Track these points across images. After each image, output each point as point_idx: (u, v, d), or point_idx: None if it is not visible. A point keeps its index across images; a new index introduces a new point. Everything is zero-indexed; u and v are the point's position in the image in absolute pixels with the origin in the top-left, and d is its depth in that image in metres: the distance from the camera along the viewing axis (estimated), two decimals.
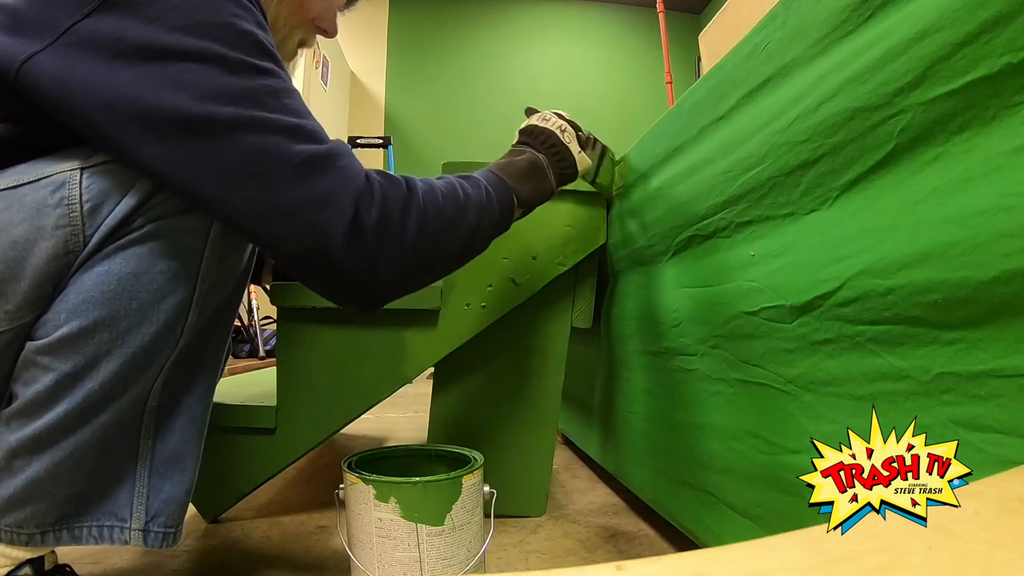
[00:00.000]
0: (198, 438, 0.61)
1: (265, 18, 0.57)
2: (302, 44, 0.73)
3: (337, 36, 0.75)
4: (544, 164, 0.71)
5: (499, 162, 0.69)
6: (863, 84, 0.43)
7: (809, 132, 0.48)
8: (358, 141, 3.55)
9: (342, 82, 3.96)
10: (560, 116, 0.76)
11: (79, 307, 0.51)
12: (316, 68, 3.29)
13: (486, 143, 4.20)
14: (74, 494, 0.54)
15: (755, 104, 0.57)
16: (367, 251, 0.52)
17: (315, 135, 0.52)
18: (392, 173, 0.56)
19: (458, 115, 4.23)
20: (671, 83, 2.59)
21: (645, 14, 4.25)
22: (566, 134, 0.74)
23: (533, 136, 0.73)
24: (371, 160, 3.96)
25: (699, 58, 2.97)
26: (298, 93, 0.54)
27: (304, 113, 0.53)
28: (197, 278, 0.56)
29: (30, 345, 0.52)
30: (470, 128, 4.22)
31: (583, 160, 0.75)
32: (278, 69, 0.53)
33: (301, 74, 3.09)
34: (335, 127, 3.82)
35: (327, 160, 0.51)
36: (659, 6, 2.59)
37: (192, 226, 0.55)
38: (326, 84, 3.54)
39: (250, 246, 0.64)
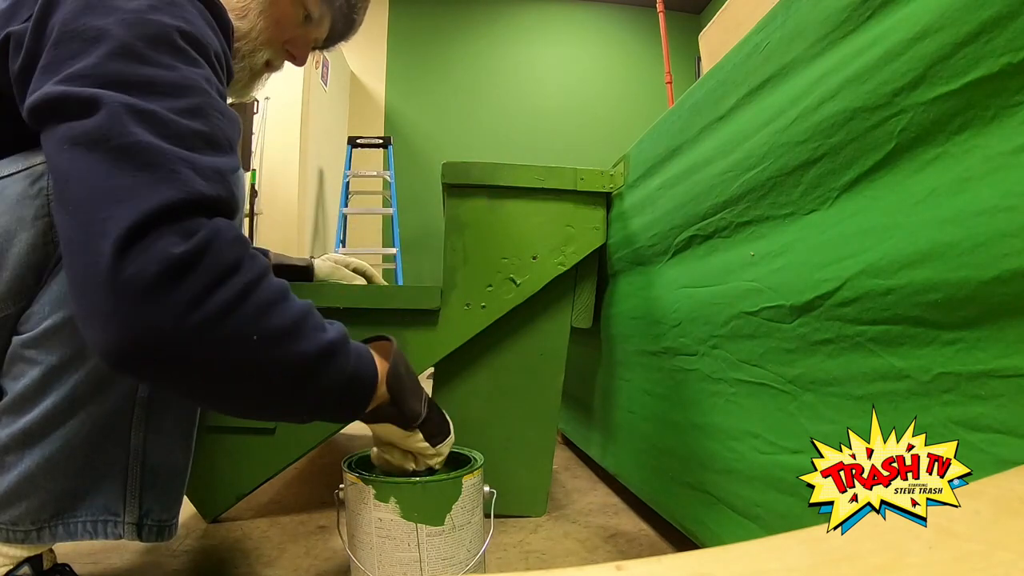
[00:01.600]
0: (190, 428, 0.61)
1: (226, 24, 0.57)
2: (269, 65, 0.73)
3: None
4: (424, 397, 0.61)
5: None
6: (863, 84, 0.43)
7: (809, 132, 0.48)
8: (358, 141, 3.55)
9: (342, 82, 3.96)
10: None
11: (63, 298, 0.51)
12: (316, 68, 3.29)
13: (486, 143, 4.20)
14: (67, 489, 0.54)
15: (755, 104, 0.57)
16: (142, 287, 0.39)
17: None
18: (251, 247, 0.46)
19: (458, 115, 4.23)
20: (671, 83, 2.60)
21: (645, 14, 4.25)
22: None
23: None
24: (371, 160, 3.96)
25: (699, 58, 2.98)
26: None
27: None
28: None
29: (16, 340, 0.52)
30: (470, 128, 4.22)
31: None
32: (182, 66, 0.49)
33: (301, 74, 3.10)
34: (335, 127, 3.82)
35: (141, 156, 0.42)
36: (659, 6, 2.60)
37: None
38: (326, 84, 3.54)
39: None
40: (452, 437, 0.65)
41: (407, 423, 0.59)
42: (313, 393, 0.48)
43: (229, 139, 0.50)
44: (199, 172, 0.44)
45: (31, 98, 0.45)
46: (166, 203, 0.40)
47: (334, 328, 0.50)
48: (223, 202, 0.45)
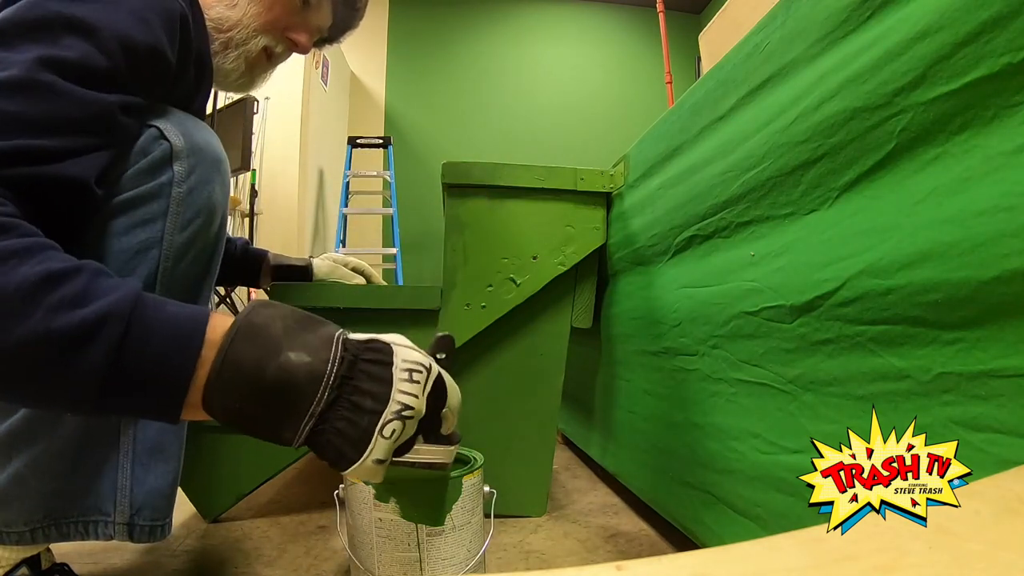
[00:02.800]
0: (181, 429, 0.60)
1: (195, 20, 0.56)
2: (268, 53, 0.72)
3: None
4: (325, 375, 0.39)
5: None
6: (863, 84, 0.43)
7: (809, 132, 0.48)
8: (358, 141, 3.55)
9: (342, 82, 3.96)
10: (427, 369, 0.43)
11: None
12: (316, 68, 3.29)
13: (486, 143, 4.20)
14: (57, 489, 0.54)
15: (755, 104, 0.57)
16: None
17: None
18: None
19: (458, 115, 4.23)
20: (671, 83, 2.60)
21: (645, 14, 4.24)
22: (413, 384, 0.41)
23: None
24: (371, 160, 3.96)
25: (699, 58, 2.98)
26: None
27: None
28: (159, 255, 0.54)
29: None
30: (470, 128, 4.22)
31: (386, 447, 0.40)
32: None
33: (301, 74, 3.10)
34: (335, 127, 3.82)
35: None
36: (659, 6, 2.60)
37: (148, 199, 0.54)
38: (326, 84, 3.54)
39: (218, 216, 0.60)
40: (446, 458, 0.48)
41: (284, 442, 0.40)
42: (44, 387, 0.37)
43: (49, 117, 0.44)
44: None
45: None
46: None
47: (103, 300, 0.38)
48: None
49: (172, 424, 0.41)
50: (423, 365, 0.42)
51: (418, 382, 0.42)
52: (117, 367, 0.37)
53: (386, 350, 0.42)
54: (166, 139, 0.55)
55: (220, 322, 0.40)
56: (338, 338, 0.41)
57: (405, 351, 0.42)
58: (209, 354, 0.39)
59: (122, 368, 0.37)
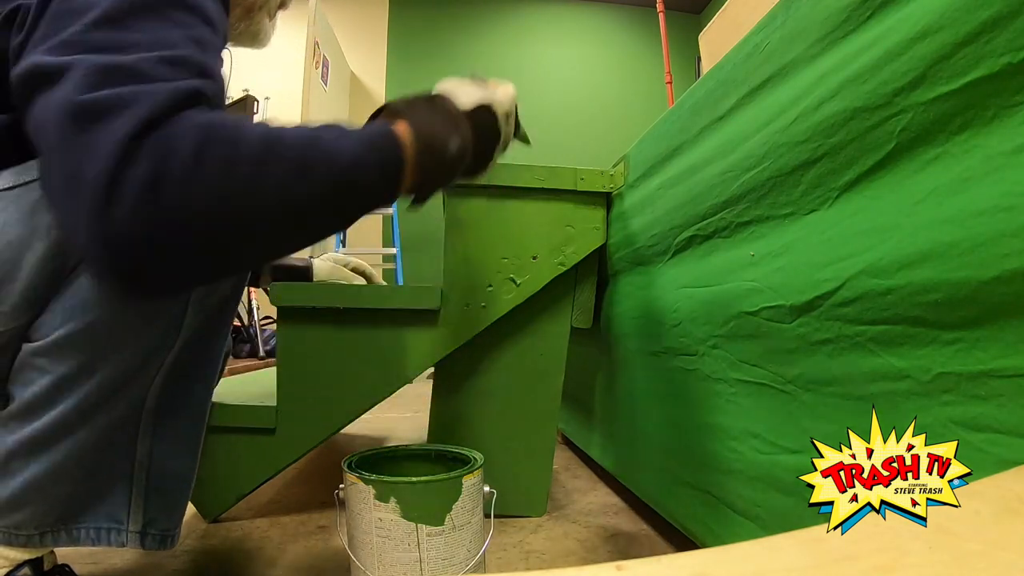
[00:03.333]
0: (197, 439, 0.61)
1: None
2: (282, 5, 0.73)
3: (337, 36, 0.74)
4: (454, 112, 0.55)
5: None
6: (863, 84, 0.43)
7: (809, 132, 0.48)
8: None
9: (342, 82, 3.96)
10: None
11: (75, 309, 0.51)
12: (316, 68, 3.29)
13: None
14: (72, 496, 0.54)
15: (755, 104, 0.57)
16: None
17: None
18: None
19: None
20: (671, 83, 2.60)
21: (645, 14, 4.24)
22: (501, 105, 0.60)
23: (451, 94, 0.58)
24: None
25: (699, 58, 2.97)
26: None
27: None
28: None
29: (27, 347, 0.52)
30: None
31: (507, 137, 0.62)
32: None
33: (301, 74, 3.09)
34: None
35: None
36: (659, 6, 2.60)
37: None
38: (326, 84, 3.54)
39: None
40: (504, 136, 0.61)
41: (461, 150, 0.54)
42: (322, 174, 0.45)
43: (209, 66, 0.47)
44: (190, 70, 0.43)
45: (13, 72, 0.43)
46: (158, 106, 0.38)
47: (344, 141, 0.47)
48: (202, 94, 0.43)
49: (388, 206, 0.56)
50: (505, 109, 0.61)
51: (509, 113, 0.62)
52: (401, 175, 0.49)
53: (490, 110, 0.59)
54: None
55: (405, 134, 0.50)
56: (462, 115, 0.56)
57: (504, 96, 0.62)
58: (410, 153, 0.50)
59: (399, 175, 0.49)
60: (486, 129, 0.58)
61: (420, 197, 0.54)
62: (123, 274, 0.39)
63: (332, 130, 0.47)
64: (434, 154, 0.51)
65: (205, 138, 0.39)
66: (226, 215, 0.40)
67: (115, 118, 0.37)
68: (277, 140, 0.43)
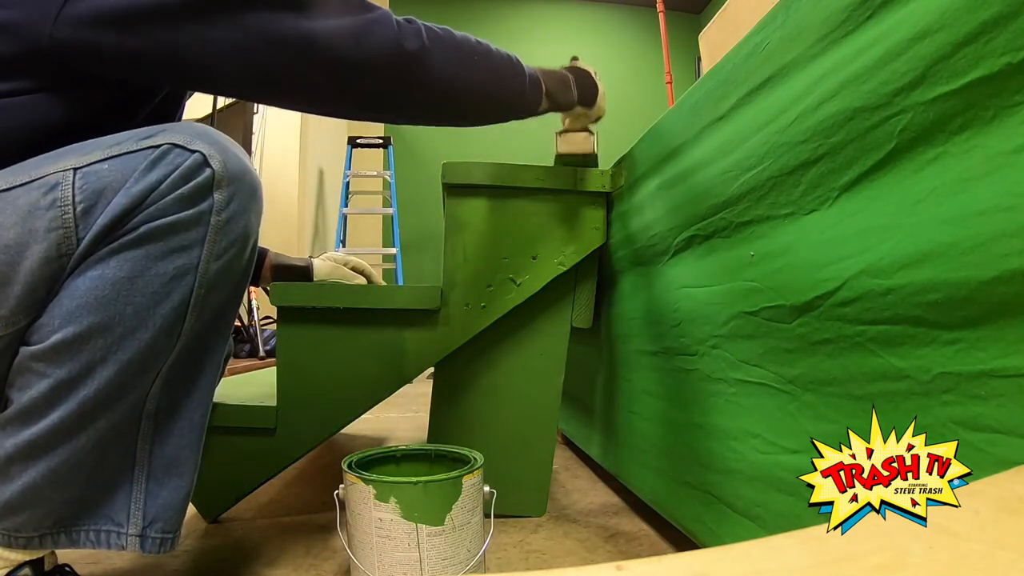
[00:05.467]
0: (197, 443, 0.61)
1: None
2: None
3: None
4: (571, 80, 0.82)
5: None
6: (863, 84, 0.43)
7: (809, 132, 0.48)
8: (358, 141, 3.55)
9: None
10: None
11: (74, 312, 0.50)
12: None
13: (486, 143, 4.19)
14: (72, 499, 0.54)
15: (755, 104, 0.57)
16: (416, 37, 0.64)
17: None
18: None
19: None
20: (671, 83, 2.60)
21: (645, 14, 4.25)
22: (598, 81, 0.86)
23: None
24: (371, 160, 3.96)
25: (699, 58, 2.97)
26: None
27: None
28: (195, 281, 0.54)
29: (25, 351, 0.51)
30: (470, 128, 4.21)
31: (601, 106, 0.87)
32: None
33: None
34: (335, 127, 3.82)
35: None
36: (659, 6, 2.60)
37: (188, 226, 0.53)
38: None
39: (251, 245, 0.61)
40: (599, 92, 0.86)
41: (570, 106, 0.83)
42: (508, 87, 0.73)
43: None
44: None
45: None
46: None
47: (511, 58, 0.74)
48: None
49: (532, 114, 0.80)
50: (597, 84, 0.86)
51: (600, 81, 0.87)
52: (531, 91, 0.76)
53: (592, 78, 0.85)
54: (209, 165, 0.53)
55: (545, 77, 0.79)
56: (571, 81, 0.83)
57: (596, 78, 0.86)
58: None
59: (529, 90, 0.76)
60: (586, 78, 0.84)
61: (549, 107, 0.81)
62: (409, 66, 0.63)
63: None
64: (554, 101, 0.80)
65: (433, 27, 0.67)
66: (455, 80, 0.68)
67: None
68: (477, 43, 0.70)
